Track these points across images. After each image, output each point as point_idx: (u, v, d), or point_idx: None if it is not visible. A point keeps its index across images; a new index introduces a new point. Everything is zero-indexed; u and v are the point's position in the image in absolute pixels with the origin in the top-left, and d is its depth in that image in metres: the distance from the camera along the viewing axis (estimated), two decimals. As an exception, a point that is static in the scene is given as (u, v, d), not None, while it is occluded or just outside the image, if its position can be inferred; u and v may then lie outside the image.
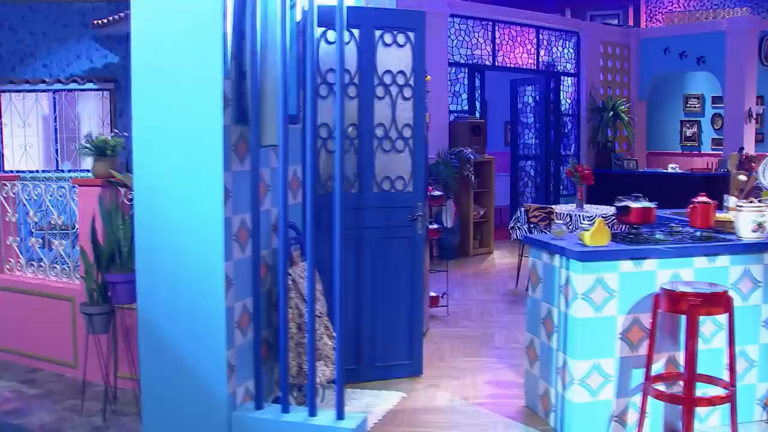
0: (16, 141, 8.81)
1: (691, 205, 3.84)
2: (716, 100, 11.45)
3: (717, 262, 3.67)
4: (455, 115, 9.28)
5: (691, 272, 3.62)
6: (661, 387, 3.58)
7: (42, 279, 4.90)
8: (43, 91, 8.62)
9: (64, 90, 8.54)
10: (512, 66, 9.97)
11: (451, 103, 9.28)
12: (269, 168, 3.89)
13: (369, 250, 4.43)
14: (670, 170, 9.88)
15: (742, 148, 9.98)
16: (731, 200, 4.39)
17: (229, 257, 3.47)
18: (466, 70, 9.37)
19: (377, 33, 4.36)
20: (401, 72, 4.44)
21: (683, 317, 3.45)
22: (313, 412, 3.48)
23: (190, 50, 3.38)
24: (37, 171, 8.45)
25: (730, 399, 3.41)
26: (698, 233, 3.80)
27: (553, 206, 6.71)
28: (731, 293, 3.64)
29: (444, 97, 8.99)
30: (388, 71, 4.40)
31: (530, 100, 10.49)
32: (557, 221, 4.14)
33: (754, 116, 10.13)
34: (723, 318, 3.67)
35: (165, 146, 3.46)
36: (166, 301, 3.52)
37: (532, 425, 3.80)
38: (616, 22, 11.33)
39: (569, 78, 10.65)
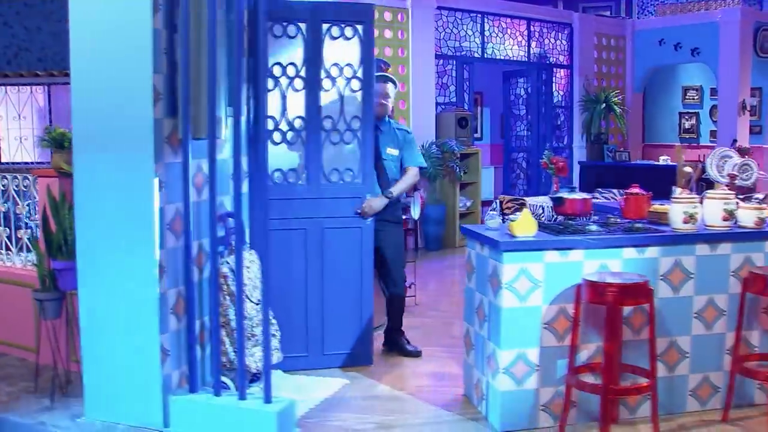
0: (12, 133, 9.04)
1: (624, 197, 3.86)
2: (715, 91, 11.31)
3: (647, 253, 3.68)
4: (443, 106, 9.31)
5: (619, 263, 3.64)
6: (589, 377, 3.62)
7: (9, 267, 5.06)
8: (38, 84, 8.83)
9: (59, 83, 8.73)
10: (502, 58, 9.96)
11: (439, 95, 9.31)
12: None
13: (317, 241, 4.51)
14: (661, 162, 9.81)
15: (735, 140, 9.87)
16: (678, 191, 4.38)
17: (163, 245, 3.57)
18: (454, 62, 9.38)
19: (324, 26, 4.42)
20: (349, 65, 4.49)
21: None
22: (243, 396, 3.58)
23: (122, 45, 3.48)
24: (32, 162, 8.67)
25: (651, 389, 3.44)
26: (631, 224, 3.82)
27: (526, 198, 6.71)
28: (662, 284, 3.69)
29: (430, 88, 9.02)
30: (335, 64, 4.46)
31: (522, 92, 10.48)
32: (491, 212, 4.17)
33: (748, 108, 10.01)
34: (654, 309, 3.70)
35: (100, 138, 3.57)
36: (104, 288, 3.64)
37: (463, 413, 3.86)
38: (608, 13, 11.23)
39: (562, 70, 10.61)
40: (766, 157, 10.71)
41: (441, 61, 9.28)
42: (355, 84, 4.51)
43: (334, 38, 4.46)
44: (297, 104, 4.42)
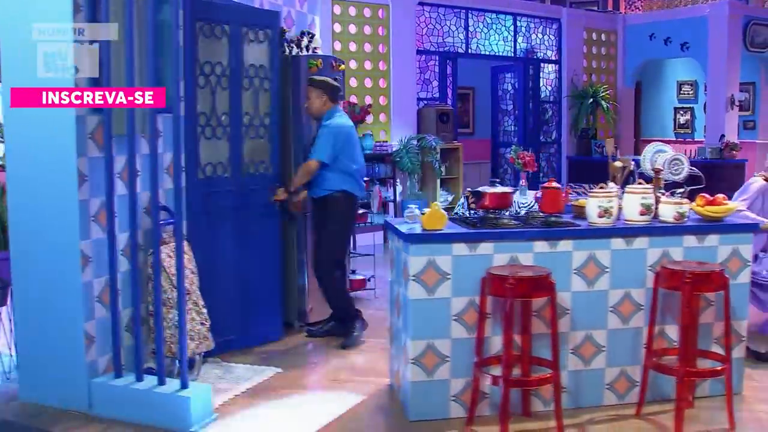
0: None
1: (541, 191, 3.90)
2: (709, 86, 11.20)
3: (559, 247, 3.72)
4: (425, 102, 9.35)
5: (530, 256, 3.69)
6: (498, 369, 3.67)
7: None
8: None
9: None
10: (487, 54, 9.96)
11: (422, 90, 9.35)
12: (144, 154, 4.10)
13: (241, 230, 4.71)
14: (648, 158, 9.72)
15: (723, 136, 9.78)
16: (610, 186, 4.40)
17: (87, 236, 3.71)
18: (437, 57, 9.42)
19: (243, 29, 4.61)
20: (262, 66, 4.73)
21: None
22: (162, 381, 3.71)
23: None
24: None
25: (554, 381, 3.48)
26: (547, 218, 3.85)
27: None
28: (576, 278, 3.73)
29: (411, 84, 9.07)
30: (252, 65, 4.68)
31: (510, 88, 10.47)
32: (410, 205, 4.22)
33: (737, 103, 9.88)
34: (567, 302, 3.74)
35: (28, 133, 3.72)
36: (34, 276, 3.80)
37: (383, 404, 3.94)
38: (595, 8, 11.15)
39: (550, 65, 10.57)
40: (759, 152, 10.58)
41: (423, 56, 9.32)
42: (266, 84, 4.75)
43: (251, 41, 4.68)
44: (223, 101, 4.57)
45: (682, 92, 11.61)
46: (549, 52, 10.57)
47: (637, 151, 11.59)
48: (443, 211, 3.71)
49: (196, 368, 4.26)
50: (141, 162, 3.88)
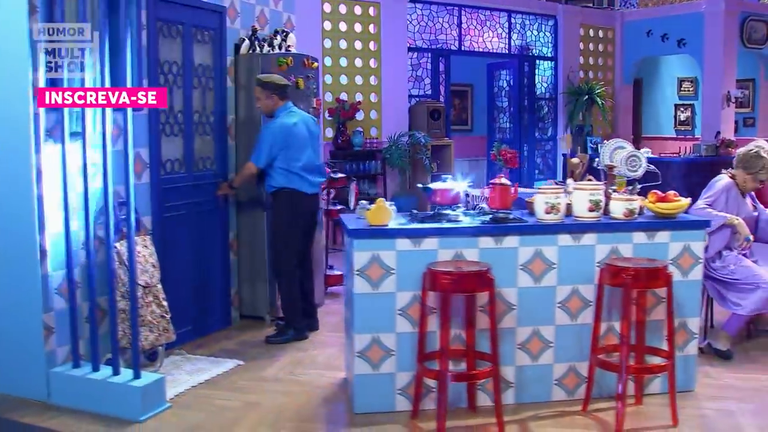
0: None
1: (490, 187, 3.93)
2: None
3: (505, 243, 3.75)
4: (417, 99, 9.38)
5: (475, 252, 3.72)
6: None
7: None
8: None
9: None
10: (481, 50, 9.96)
11: (414, 87, 9.39)
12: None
13: (196, 224, 4.87)
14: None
15: (718, 133, 9.69)
16: (569, 182, 4.41)
17: (44, 230, 3.81)
18: (429, 54, 9.44)
19: (193, 29, 4.73)
20: (208, 65, 4.89)
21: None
22: (116, 372, 3.81)
23: (1, 44, 3.73)
24: None
25: (493, 375, 3.51)
26: (494, 214, 3.87)
27: (469, 189, 6.81)
28: (523, 274, 3.75)
29: (402, 81, 9.10)
30: (200, 64, 4.82)
31: (505, 84, 10.46)
32: (362, 201, 4.26)
33: (733, 100, 9.78)
34: (513, 298, 3.77)
35: (-10, 129, 3.84)
36: (-3, 268, 3.92)
37: (335, 396, 4.00)
38: (591, 5, 11.08)
39: (546, 62, 10.54)
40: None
41: (415, 54, 9.35)
42: (211, 83, 4.89)
43: (199, 41, 4.81)
44: (178, 100, 4.69)
45: (682, 89, 11.50)
46: (545, 49, 10.54)
47: (637, 148, 11.54)
48: (389, 207, 3.75)
49: (159, 360, 4.36)
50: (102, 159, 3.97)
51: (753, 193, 4.96)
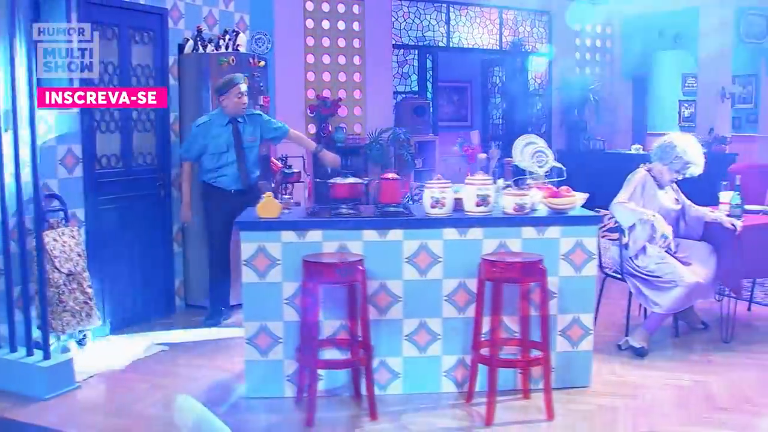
0: None
1: (379, 182, 4.02)
2: (714, 78, 10.83)
3: (389, 236, 3.84)
4: (403, 95, 9.45)
5: (360, 245, 3.82)
6: (334, 352, 3.83)
7: None
8: None
9: None
10: (471, 47, 9.95)
11: (400, 84, 9.46)
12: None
13: (133, 217, 5.08)
14: (633, 151, 9.54)
15: (712, 129, 9.47)
16: (476, 177, 4.45)
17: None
18: (416, 51, 9.50)
19: (131, 31, 4.96)
20: (148, 65, 5.11)
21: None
22: (30, 353, 4.06)
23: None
24: None
25: (365, 363, 3.61)
26: (383, 208, 3.96)
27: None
28: (408, 266, 3.84)
29: (387, 78, 9.16)
30: (138, 64, 5.05)
31: (497, 81, 10.44)
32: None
33: (727, 96, 9.53)
34: (399, 290, 3.86)
35: None
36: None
37: (234, 381, 4.15)
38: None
39: (540, 57, 10.46)
40: (760, 145, 10.19)
41: (402, 51, 9.42)
42: (151, 82, 5.12)
43: (137, 43, 5.04)
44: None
45: (687, 85, 11.22)
46: (538, 45, 10.46)
47: (640, 144, 11.33)
48: (277, 200, 3.89)
49: (86, 343, 4.62)
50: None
51: (675, 186, 4.90)
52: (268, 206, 3.84)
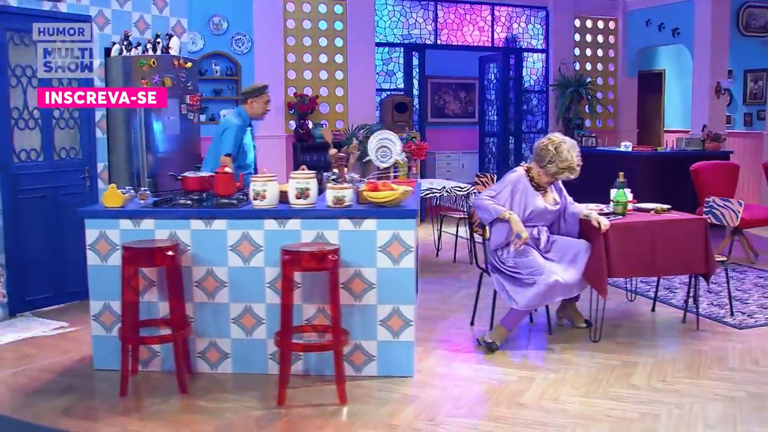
0: None
1: (214, 176, 4.31)
2: (730, 74, 10.34)
3: (214, 225, 4.13)
4: (389, 93, 9.65)
5: (188, 233, 4.14)
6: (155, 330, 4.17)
7: None
8: None
9: None
10: (461, 44, 10.00)
11: (385, 81, 9.67)
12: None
13: (53, 206, 5.53)
14: (622, 148, 9.30)
15: (705, 126, 9.09)
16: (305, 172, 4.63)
17: None
18: (402, 49, 9.67)
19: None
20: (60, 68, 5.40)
21: (159, 270, 4.02)
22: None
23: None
24: None
25: (174, 340, 3.93)
26: (216, 200, 4.25)
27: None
28: (232, 254, 4.12)
29: (369, 75, 9.41)
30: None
31: (493, 78, 10.42)
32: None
33: (722, 91, 9.09)
34: (225, 276, 4.14)
35: None
36: None
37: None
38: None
39: (536, 54, 10.36)
40: (766, 143, 9.67)
41: (387, 48, 9.62)
42: (75, 83, 5.46)
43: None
44: (34, 99, 5.39)
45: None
46: (534, 41, 10.36)
47: (644, 142, 11.00)
48: (120, 191, 4.27)
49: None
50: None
51: (560, 185, 4.90)
52: (111, 196, 4.23)
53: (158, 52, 6.03)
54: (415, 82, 9.80)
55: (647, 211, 5.15)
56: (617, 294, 5.92)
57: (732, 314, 5.33)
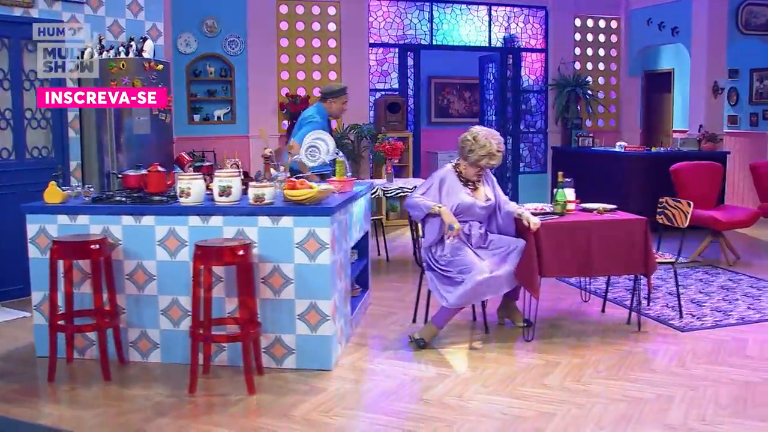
0: None
1: (146, 174, 4.49)
2: (732, 73, 10.09)
3: (144, 221, 4.32)
4: (383, 93, 9.74)
5: (119, 228, 4.34)
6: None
7: None
8: None
9: None
10: (456, 45, 10.01)
11: (379, 81, 9.76)
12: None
13: (25, 201, 5.74)
14: (617, 148, 9.18)
15: (701, 126, 8.89)
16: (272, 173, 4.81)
17: None
18: (397, 50, 9.75)
19: (23, 42, 5.77)
20: (33, 70, 5.82)
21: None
22: None
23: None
24: None
25: (96, 329, 4.13)
26: (148, 197, 4.44)
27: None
28: (160, 249, 4.31)
29: (363, 76, 9.52)
30: (32, 70, 5.81)
31: (491, 77, 10.40)
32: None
33: (719, 91, 8.87)
34: (154, 269, 4.33)
35: None
36: None
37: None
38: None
39: (535, 54, 10.29)
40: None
41: (381, 49, 9.71)
42: (47, 84, 5.77)
43: (30, 51, 5.79)
44: (6, 99, 5.73)
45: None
46: (533, 41, 10.29)
47: (652, 142, 10.79)
48: (60, 189, 4.50)
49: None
50: None
51: (492, 182, 4.93)
52: (51, 193, 4.46)
53: (131, 55, 6.28)
54: (410, 82, 9.86)
55: (591, 211, 5.13)
56: (573, 294, 5.91)
57: (681, 316, 5.27)
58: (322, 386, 4.04)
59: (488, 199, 4.87)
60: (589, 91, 10.03)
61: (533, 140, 10.47)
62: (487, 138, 4.73)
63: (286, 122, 9.28)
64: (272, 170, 4.58)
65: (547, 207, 5.11)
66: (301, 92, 9.30)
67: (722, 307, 5.55)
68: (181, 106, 8.73)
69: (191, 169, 5.75)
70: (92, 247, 4.11)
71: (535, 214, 4.86)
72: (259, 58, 9.02)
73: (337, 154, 4.81)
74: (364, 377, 4.21)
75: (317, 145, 4.61)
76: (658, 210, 5.53)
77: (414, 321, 5.20)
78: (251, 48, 8.94)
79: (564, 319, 5.33)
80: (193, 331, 3.98)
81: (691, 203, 5.27)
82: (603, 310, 5.50)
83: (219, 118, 8.97)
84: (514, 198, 9.62)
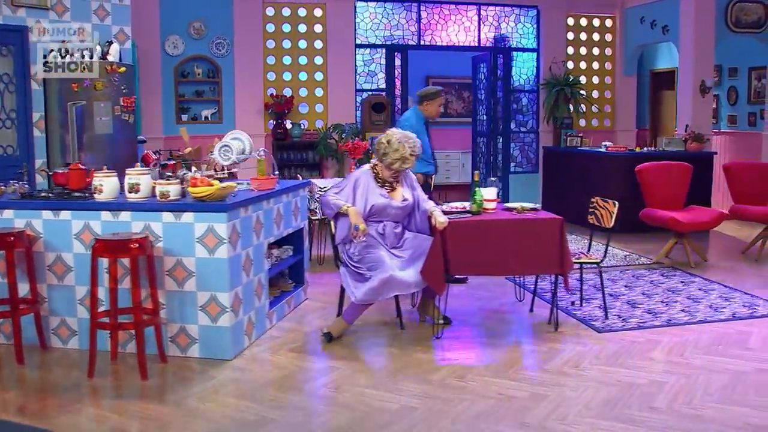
0: None
1: (68, 171, 4.75)
2: (734, 72, 9.82)
3: (61, 216, 4.59)
4: (370, 93, 9.86)
5: (40, 222, 4.62)
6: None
7: None
8: None
9: None
10: (446, 45, 10.04)
11: (366, 82, 9.89)
12: None
13: None
14: (601, 148, 9.05)
15: (687, 126, 8.69)
16: (192, 171, 5.01)
17: None
18: (384, 50, 9.85)
19: None
20: (7, 73, 6.26)
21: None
22: None
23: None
24: None
25: (16, 316, 4.42)
26: (68, 193, 4.70)
27: (315, 180, 7.35)
28: (76, 242, 4.57)
29: (349, 76, 9.66)
30: (6, 73, 6.17)
31: (483, 77, 10.39)
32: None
33: (707, 90, 8.62)
34: (71, 261, 4.59)
35: None
36: None
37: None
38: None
39: (526, 53, 10.22)
40: (766, 143, 9.10)
41: (368, 50, 9.83)
42: (12, 87, 6.12)
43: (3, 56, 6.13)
44: None
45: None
46: (525, 41, 10.22)
47: (643, 143, 10.57)
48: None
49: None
50: None
51: (413, 182, 5.01)
52: (-16, 189, 4.79)
53: (95, 58, 6.60)
54: (398, 83, 9.95)
55: (511, 210, 5.15)
56: (509, 293, 5.92)
57: (606, 317, 5.23)
58: (213, 374, 4.22)
59: (405, 200, 4.96)
60: (581, 91, 9.91)
61: (525, 140, 10.41)
62: (401, 142, 4.83)
63: (272, 122, 9.52)
64: (186, 169, 4.79)
65: (467, 205, 5.16)
66: (287, 93, 9.51)
67: (657, 309, 5.47)
68: (169, 106, 9.07)
69: (157, 167, 6.11)
70: (9, 239, 4.40)
71: (451, 213, 4.93)
72: (246, 59, 9.27)
73: (259, 153, 4.98)
74: (256, 367, 4.36)
75: (230, 145, 4.78)
76: (590, 210, 5.50)
77: (339, 315, 5.32)
78: (238, 49, 9.21)
79: (488, 318, 5.37)
80: (92, 321, 4.23)
81: (617, 203, 5.23)
82: (531, 310, 5.50)
83: (206, 117, 9.27)
84: (505, 197, 9.61)
